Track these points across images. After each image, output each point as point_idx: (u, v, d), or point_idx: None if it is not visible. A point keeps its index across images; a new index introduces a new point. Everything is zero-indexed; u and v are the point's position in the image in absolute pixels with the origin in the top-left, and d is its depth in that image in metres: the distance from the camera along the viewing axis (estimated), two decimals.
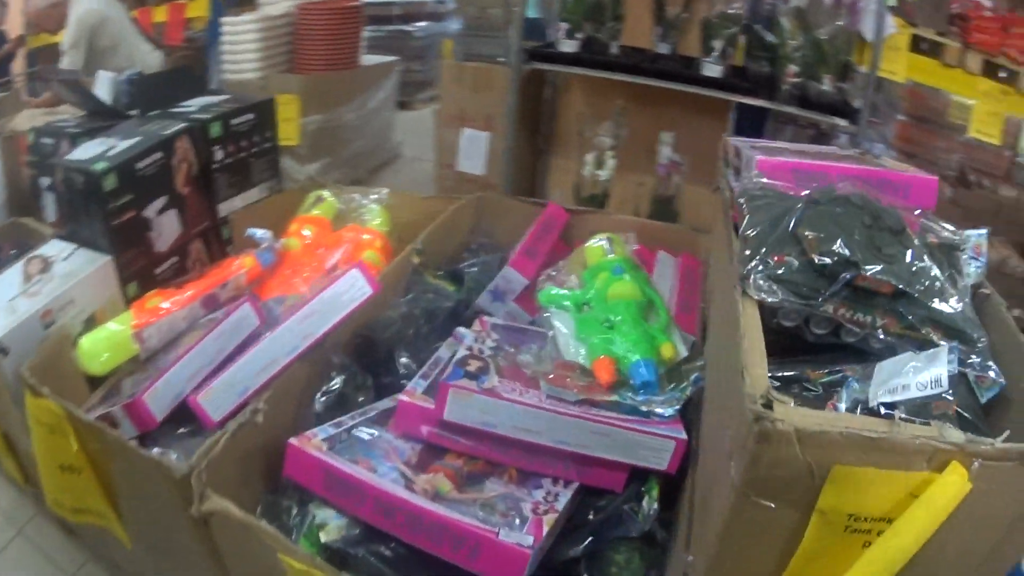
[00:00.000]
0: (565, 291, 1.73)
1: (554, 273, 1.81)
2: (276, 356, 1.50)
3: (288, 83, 3.42)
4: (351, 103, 3.78)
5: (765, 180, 1.39)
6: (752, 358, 1.00)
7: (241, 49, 3.44)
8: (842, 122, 2.76)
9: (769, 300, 1.16)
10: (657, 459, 1.41)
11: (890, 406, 1.03)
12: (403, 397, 1.47)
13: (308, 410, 1.56)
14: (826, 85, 2.78)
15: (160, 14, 4.68)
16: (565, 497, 1.42)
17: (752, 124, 3.13)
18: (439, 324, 1.83)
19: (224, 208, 2.14)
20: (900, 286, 1.14)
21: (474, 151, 3.32)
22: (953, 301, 1.16)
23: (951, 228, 1.30)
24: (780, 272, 1.17)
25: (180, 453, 1.44)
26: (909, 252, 1.18)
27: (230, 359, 1.53)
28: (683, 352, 1.59)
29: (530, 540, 1.27)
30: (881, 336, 1.16)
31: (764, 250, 1.18)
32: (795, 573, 0.97)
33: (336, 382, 1.59)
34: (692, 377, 1.52)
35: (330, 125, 3.61)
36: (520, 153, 3.17)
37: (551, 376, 1.48)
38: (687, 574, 1.18)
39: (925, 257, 1.18)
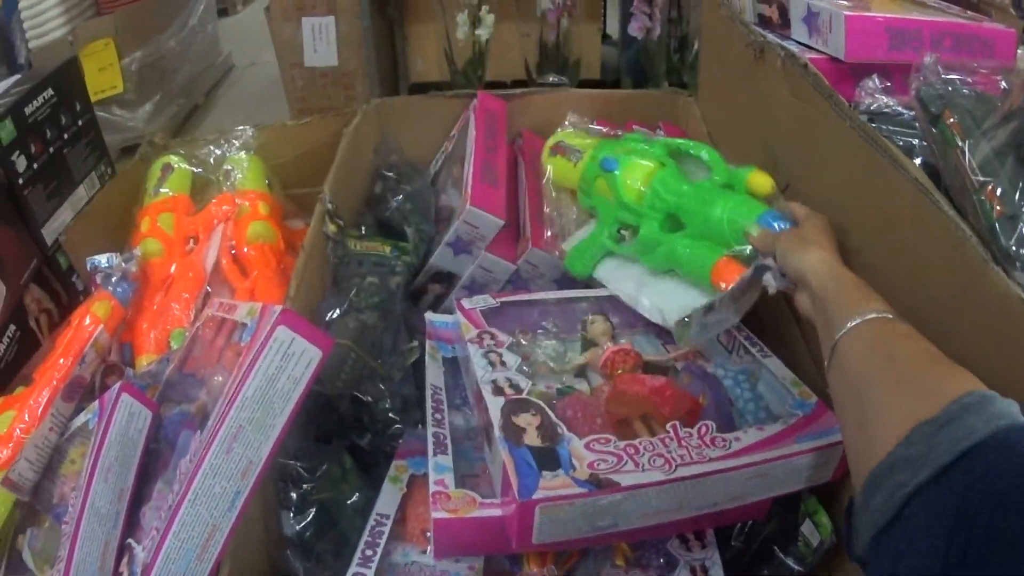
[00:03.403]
0: (592, 236, 1.22)
1: (555, 230, 1.31)
2: (212, 521, 0.84)
3: (99, 27, 2.74)
4: (171, 27, 3.07)
5: (940, 70, 0.95)
6: None
7: (41, 8, 2.67)
8: None
9: None
10: (820, 475, 0.94)
11: None
12: (438, 513, 0.87)
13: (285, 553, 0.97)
14: None
15: None
16: (717, 569, 0.94)
17: None
18: (398, 316, 1.22)
19: (51, 231, 1.44)
20: None
21: (320, 41, 2.66)
22: None
23: None
24: None
25: None
26: None
27: (144, 486, 0.96)
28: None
29: None
30: None
31: None
32: None
33: (309, 506, 0.98)
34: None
35: (153, 58, 2.92)
36: (374, 30, 2.57)
37: None
38: None
39: None
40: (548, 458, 0.86)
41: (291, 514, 0.95)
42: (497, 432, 0.89)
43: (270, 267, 1.31)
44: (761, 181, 1.06)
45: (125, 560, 0.90)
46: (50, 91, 1.42)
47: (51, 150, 1.42)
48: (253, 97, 3.35)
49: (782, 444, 0.91)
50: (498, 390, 0.97)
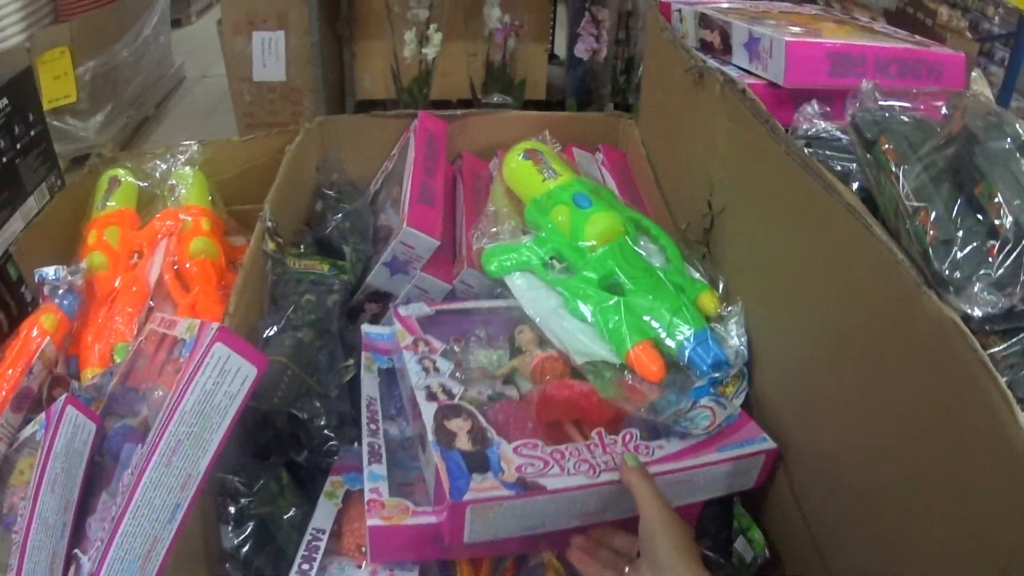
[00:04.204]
0: (522, 247, 1.19)
1: (485, 227, 1.28)
2: (154, 532, 0.85)
3: (55, 35, 2.71)
4: (125, 37, 3.04)
5: (877, 96, 0.96)
6: None
7: (1, 14, 2.62)
8: None
9: (984, 313, 0.72)
10: (741, 481, 0.99)
11: None
12: (373, 520, 0.89)
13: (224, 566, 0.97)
14: None
15: None
16: None
17: None
18: (335, 334, 1.22)
19: (1, 241, 1.40)
20: None
21: (270, 56, 2.68)
22: None
23: None
24: (1000, 273, 0.73)
25: None
26: None
27: (89, 498, 0.95)
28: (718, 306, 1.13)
29: None
30: None
31: (958, 231, 0.76)
32: None
33: (247, 520, 0.98)
34: (735, 334, 1.07)
35: (107, 68, 2.90)
36: (323, 46, 2.56)
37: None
38: None
39: None
40: (478, 461, 0.88)
41: (230, 528, 0.96)
42: (430, 436, 0.92)
43: (211, 283, 1.31)
44: (709, 301, 1.10)
45: (72, 570, 0.90)
46: (4, 100, 1.40)
47: (3, 160, 1.40)
48: (203, 110, 3.34)
49: (703, 452, 0.94)
50: (431, 396, 0.99)
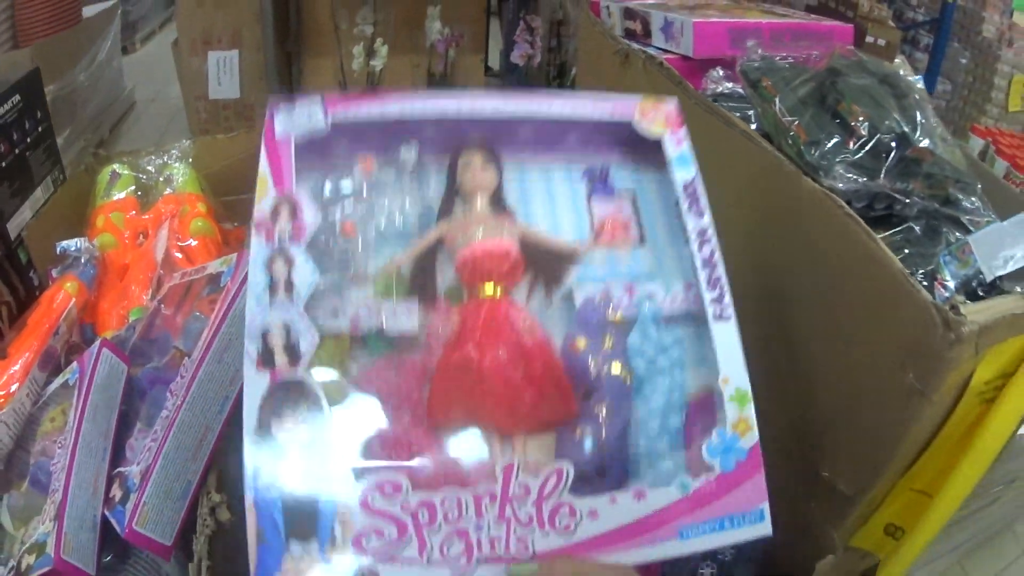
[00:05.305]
0: None
1: None
2: (206, 423, 0.94)
3: (17, 59, 2.73)
4: (81, 62, 3.08)
5: (760, 51, 1.15)
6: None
7: None
8: None
9: (847, 187, 0.95)
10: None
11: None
12: None
13: None
14: None
15: None
16: None
17: None
18: None
19: (13, 226, 1.52)
20: (935, 150, 0.99)
21: (225, 74, 2.77)
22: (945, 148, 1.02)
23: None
24: (858, 156, 0.97)
25: None
26: (918, 112, 1.01)
27: (125, 427, 1.03)
28: None
29: None
30: (916, 200, 0.98)
31: (823, 134, 0.99)
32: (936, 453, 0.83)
33: None
34: None
35: (64, 92, 2.94)
36: (275, 62, 2.70)
37: None
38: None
39: (929, 114, 1.04)
40: (303, 517, 0.58)
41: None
42: (247, 459, 0.60)
43: (212, 257, 1.43)
44: None
45: (116, 484, 0.95)
46: (17, 97, 1.51)
47: (16, 152, 1.50)
48: (156, 130, 3.40)
49: (656, 538, 0.62)
50: (265, 357, 0.62)
